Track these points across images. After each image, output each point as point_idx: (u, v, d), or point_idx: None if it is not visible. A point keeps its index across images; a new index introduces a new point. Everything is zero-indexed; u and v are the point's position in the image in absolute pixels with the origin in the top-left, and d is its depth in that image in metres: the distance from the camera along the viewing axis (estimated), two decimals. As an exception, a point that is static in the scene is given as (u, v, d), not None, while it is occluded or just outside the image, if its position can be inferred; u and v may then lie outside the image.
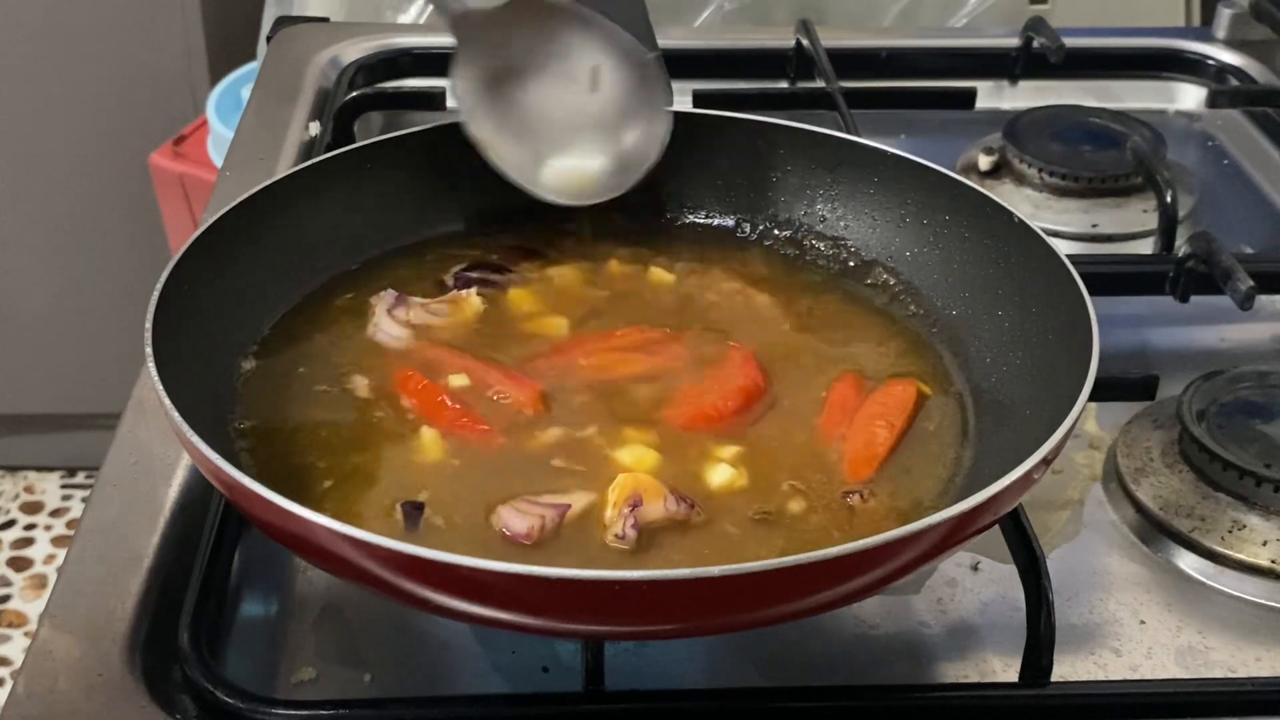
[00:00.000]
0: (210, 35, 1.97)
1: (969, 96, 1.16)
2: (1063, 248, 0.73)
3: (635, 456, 0.68)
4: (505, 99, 0.83)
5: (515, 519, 0.63)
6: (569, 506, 0.64)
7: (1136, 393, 0.82)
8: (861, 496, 0.66)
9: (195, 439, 0.58)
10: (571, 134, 0.83)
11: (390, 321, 0.76)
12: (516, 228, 0.84)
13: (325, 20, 1.29)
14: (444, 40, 1.20)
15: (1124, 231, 1.04)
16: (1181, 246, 0.92)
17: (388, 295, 0.78)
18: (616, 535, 0.63)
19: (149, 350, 0.63)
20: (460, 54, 0.83)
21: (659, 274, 0.82)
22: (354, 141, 1.05)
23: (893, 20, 1.44)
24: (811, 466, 0.68)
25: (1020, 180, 1.08)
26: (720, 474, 0.67)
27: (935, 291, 0.79)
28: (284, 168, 1.02)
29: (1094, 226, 1.04)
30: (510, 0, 0.83)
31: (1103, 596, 0.73)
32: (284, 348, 0.75)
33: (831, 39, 1.18)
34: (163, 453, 0.76)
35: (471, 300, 0.78)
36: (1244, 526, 0.75)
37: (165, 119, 1.91)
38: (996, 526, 0.65)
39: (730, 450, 0.69)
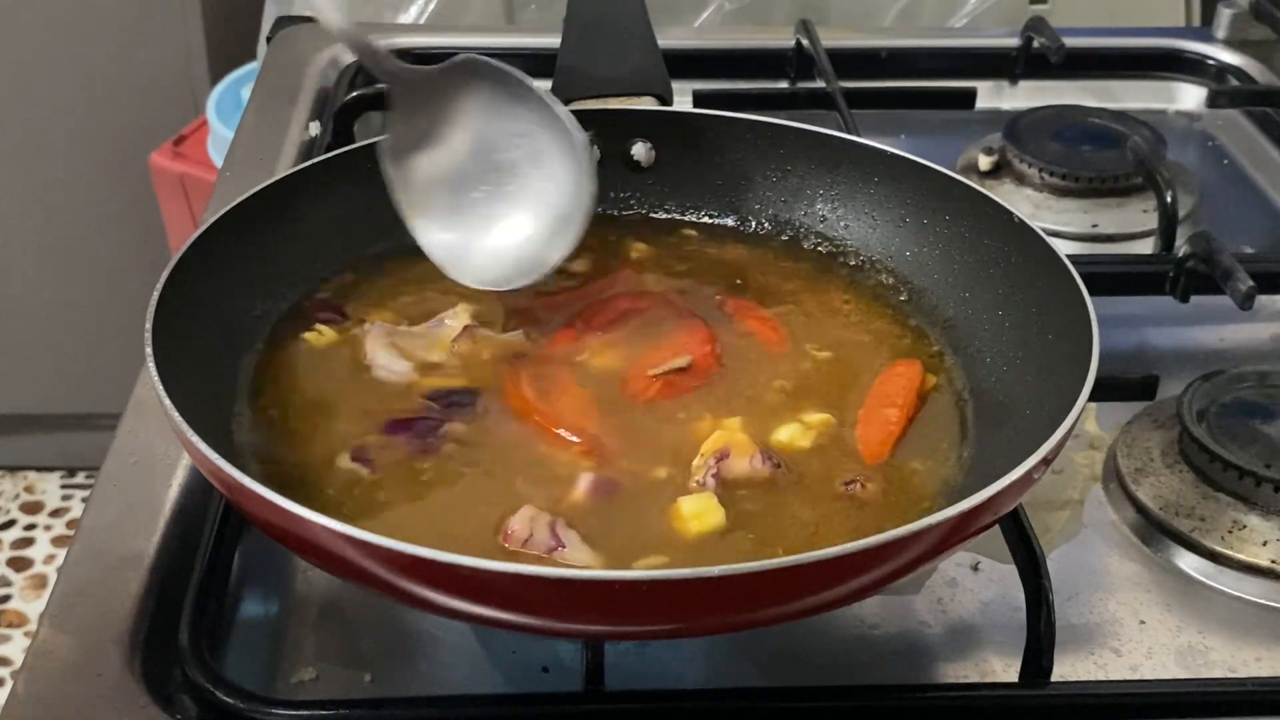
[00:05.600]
0: (210, 35, 1.97)
1: (969, 96, 1.16)
2: (1063, 248, 0.72)
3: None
4: (429, 167, 0.78)
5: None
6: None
7: (1136, 393, 0.82)
8: (861, 485, 0.66)
9: (195, 439, 0.58)
10: (491, 211, 0.78)
11: (388, 356, 0.74)
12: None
13: (325, 20, 1.29)
14: (444, 41, 1.21)
15: (1124, 231, 1.04)
16: (1181, 246, 0.92)
17: (376, 329, 0.75)
18: (697, 482, 0.65)
19: (149, 350, 0.63)
20: (391, 115, 0.78)
21: (658, 278, 0.82)
22: (354, 141, 1.04)
23: (893, 20, 1.44)
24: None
25: (1020, 180, 1.08)
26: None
27: (935, 291, 0.79)
28: (284, 168, 1.02)
29: (1094, 226, 1.04)
30: (449, 62, 0.77)
31: (1103, 596, 0.73)
32: (284, 347, 0.75)
33: (831, 39, 1.18)
34: (163, 453, 0.76)
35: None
36: (1244, 526, 0.75)
37: (165, 119, 1.91)
38: (996, 526, 0.65)
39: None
